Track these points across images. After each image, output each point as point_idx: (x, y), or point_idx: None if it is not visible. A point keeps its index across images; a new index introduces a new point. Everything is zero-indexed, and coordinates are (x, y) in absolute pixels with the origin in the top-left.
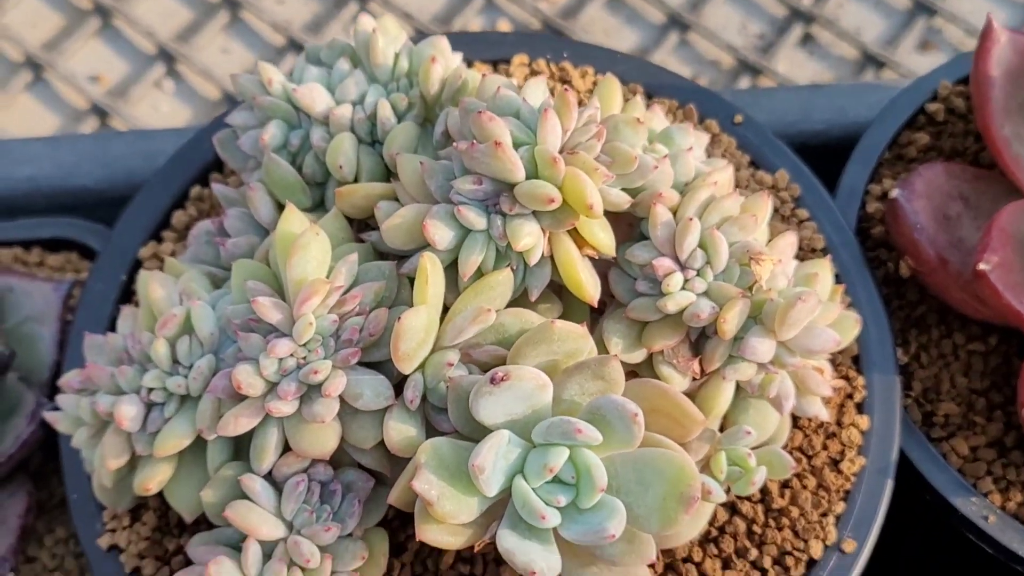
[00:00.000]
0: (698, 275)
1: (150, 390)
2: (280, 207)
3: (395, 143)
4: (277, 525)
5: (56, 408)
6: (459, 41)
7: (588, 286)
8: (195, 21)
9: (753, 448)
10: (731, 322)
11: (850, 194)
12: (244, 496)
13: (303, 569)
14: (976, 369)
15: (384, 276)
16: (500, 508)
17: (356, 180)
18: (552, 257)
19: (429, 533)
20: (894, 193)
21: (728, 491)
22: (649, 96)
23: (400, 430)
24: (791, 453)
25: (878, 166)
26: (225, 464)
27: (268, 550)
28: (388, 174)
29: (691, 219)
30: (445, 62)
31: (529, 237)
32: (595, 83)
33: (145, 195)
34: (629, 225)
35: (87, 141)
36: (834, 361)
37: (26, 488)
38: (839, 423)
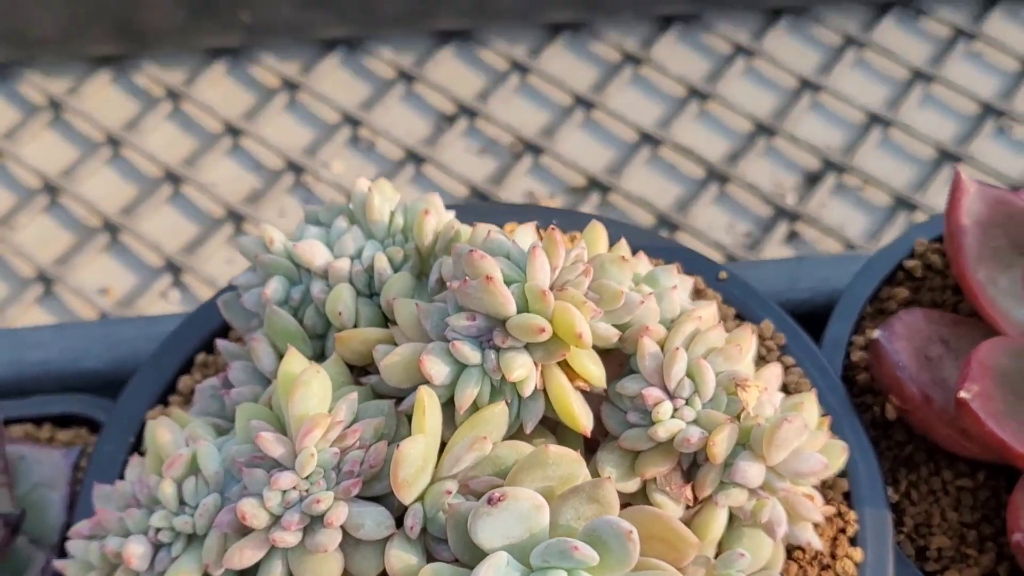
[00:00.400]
0: (687, 404)
1: (157, 530)
2: (280, 357)
3: (392, 290)
4: None
5: (66, 557)
6: (450, 210)
7: (580, 416)
8: (200, 234)
9: None
10: (720, 445)
11: (834, 345)
12: None
13: None
14: (966, 504)
15: (383, 413)
16: None
17: (355, 327)
18: (545, 391)
19: None
20: (875, 334)
21: None
22: (634, 253)
23: (401, 558)
24: None
25: (860, 319)
26: None
27: None
28: (386, 323)
29: (678, 349)
30: (438, 215)
31: (522, 369)
32: None
33: (152, 362)
34: (620, 365)
35: (95, 326)
36: (826, 497)
37: None
38: (833, 555)
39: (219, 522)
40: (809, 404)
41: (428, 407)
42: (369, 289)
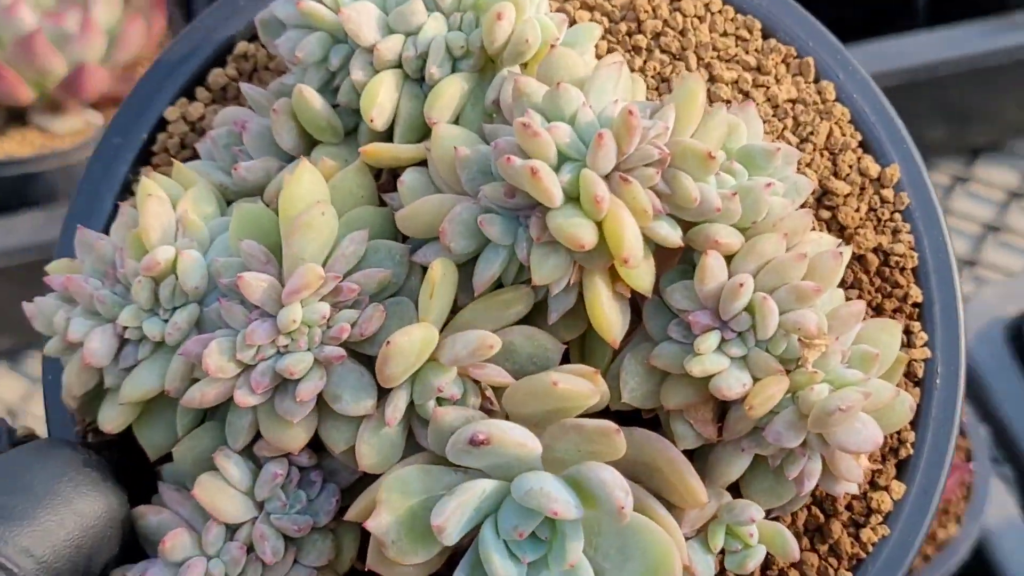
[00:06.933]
0: (739, 337)
1: (125, 328)
2: (304, 135)
3: (437, 103)
4: (246, 505)
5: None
6: None
7: (613, 327)
8: None
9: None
10: (759, 408)
11: None
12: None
13: (263, 563)
14: None
15: (393, 261)
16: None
17: (391, 128)
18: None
19: (381, 567)
20: None
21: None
22: (765, 36)
23: (374, 446)
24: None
25: None
26: (196, 427)
27: (234, 527)
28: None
29: (742, 285)
30: (512, 21)
31: (554, 271)
32: (707, 4)
33: (183, 41)
34: (679, 257)
35: None
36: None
37: None
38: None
39: (186, 351)
40: (887, 351)
41: (438, 288)
42: (421, 75)
